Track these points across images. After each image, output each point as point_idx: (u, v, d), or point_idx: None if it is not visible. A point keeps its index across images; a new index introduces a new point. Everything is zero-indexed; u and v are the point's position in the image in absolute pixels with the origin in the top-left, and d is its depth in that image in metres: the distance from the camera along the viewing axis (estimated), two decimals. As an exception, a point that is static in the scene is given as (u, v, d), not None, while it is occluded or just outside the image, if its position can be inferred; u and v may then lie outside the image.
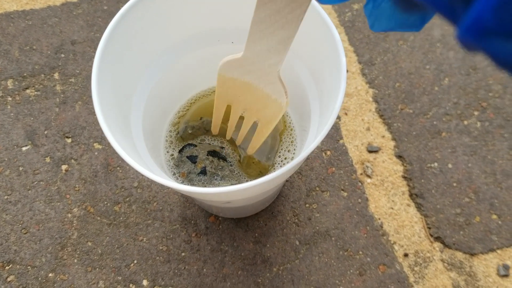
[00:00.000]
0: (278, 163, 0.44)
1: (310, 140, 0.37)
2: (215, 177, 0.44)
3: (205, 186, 0.43)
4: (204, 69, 0.45)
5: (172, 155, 0.45)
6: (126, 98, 0.38)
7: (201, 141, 0.45)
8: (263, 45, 0.30)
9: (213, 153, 0.45)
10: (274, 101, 0.34)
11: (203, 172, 0.44)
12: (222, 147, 0.45)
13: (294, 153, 0.44)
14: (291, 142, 0.45)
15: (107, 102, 0.33)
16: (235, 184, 0.32)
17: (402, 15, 0.20)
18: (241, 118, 0.40)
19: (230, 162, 0.44)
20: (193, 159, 0.44)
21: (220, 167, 0.44)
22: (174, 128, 0.46)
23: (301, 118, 0.44)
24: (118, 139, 0.31)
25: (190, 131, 0.46)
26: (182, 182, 0.43)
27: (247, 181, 0.43)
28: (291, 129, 0.46)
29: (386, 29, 0.22)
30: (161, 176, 0.35)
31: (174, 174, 0.44)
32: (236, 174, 0.44)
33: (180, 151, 0.45)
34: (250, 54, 0.32)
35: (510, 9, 0.11)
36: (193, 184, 0.43)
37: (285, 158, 0.44)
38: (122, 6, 0.62)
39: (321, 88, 0.38)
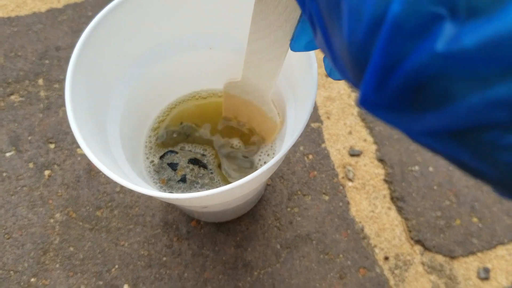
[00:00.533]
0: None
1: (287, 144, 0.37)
2: (195, 185, 0.44)
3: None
4: (183, 74, 0.45)
5: (152, 161, 0.45)
6: (102, 105, 0.38)
7: (181, 148, 0.46)
8: (256, 72, 0.35)
9: (194, 161, 0.45)
10: (270, 119, 0.40)
11: (183, 179, 0.44)
12: (204, 155, 0.45)
13: (273, 157, 0.44)
14: (271, 146, 0.45)
15: (82, 110, 0.34)
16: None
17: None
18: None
19: (211, 170, 0.45)
20: (173, 166, 0.45)
21: (201, 175, 0.44)
22: (154, 133, 0.46)
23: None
24: (93, 148, 0.31)
25: (170, 137, 0.46)
26: (162, 189, 0.43)
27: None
28: None
29: (341, 79, 0.25)
30: (139, 183, 0.36)
31: (154, 180, 0.44)
32: (216, 182, 0.44)
33: (161, 157, 0.45)
34: (246, 78, 0.36)
35: (386, 90, 0.13)
36: (172, 192, 0.43)
37: (265, 163, 0.44)
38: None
39: (296, 93, 0.39)
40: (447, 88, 0.11)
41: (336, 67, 0.16)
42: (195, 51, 0.43)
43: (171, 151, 0.45)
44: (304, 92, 0.35)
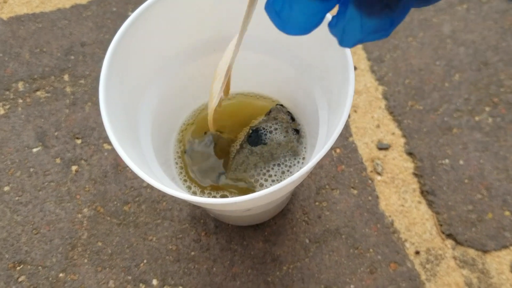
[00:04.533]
0: (294, 165, 0.43)
1: (320, 143, 0.37)
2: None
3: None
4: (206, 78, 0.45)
5: (182, 167, 0.45)
6: (134, 110, 0.38)
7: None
8: None
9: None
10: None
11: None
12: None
13: (304, 158, 0.44)
14: (301, 148, 0.44)
15: (115, 114, 0.33)
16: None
17: (369, 21, 0.19)
18: None
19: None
20: None
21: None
22: (179, 144, 0.46)
23: (309, 126, 0.44)
24: (128, 151, 0.31)
25: (195, 149, 0.46)
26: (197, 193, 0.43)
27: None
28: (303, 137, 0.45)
29: (355, 41, 0.21)
30: (174, 188, 0.36)
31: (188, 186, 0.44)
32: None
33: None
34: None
35: None
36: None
37: (298, 162, 0.44)
38: (130, 8, 0.63)
39: (330, 97, 0.38)
40: None
41: None
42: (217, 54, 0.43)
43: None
44: (339, 96, 0.34)
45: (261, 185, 0.42)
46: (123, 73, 0.35)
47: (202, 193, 0.43)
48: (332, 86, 0.37)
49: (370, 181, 0.51)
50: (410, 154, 0.52)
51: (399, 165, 0.52)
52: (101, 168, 0.52)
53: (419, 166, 0.51)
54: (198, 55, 0.43)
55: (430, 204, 0.49)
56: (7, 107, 0.56)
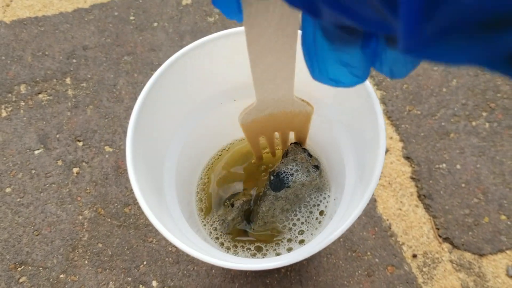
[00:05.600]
0: (321, 202, 0.44)
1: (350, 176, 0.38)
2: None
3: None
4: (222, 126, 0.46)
5: (215, 228, 0.45)
6: (158, 165, 0.39)
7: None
8: (270, 87, 0.33)
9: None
10: (299, 113, 0.38)
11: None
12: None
13: (330, 190, 0.44)
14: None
15: (141, 171, 0.34)
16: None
17: (335, 52, 0.20)
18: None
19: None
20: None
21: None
22: (200, 197, 0.46)
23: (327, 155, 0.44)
24: (155, 210, 0.32)
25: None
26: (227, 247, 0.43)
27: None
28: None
29: (327, 75, 0.22)
30: (201, 245, 0.36)
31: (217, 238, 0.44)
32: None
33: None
34: (262, 99, 0.35)
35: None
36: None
37: (324, 198, 0.44)
38: (132, 12, 0.63)
39: (358, 147, 0.38)
40: None
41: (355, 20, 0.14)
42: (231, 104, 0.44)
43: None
44: (368, 146, 0.35)
45: (290, 229, 0.42)
46: (148, 128, 0.36)
47: (235, 247, 0.43)
48: (357, 132, 0.38)
49: (368, 185, 0.51)
50: (407, 158, 0.53)
51: (396, 169, 0.52)
52: (102, 170, 0.53)
53: (416, 170, 0.52)
54: (216, 105, 0.44)
55: (427, 208, 0.50)
56: (10, 109, 0.57)
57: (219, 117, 0.44)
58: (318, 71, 0.22)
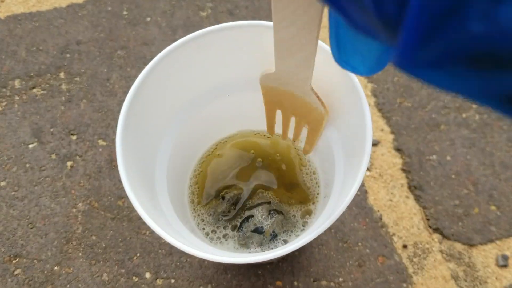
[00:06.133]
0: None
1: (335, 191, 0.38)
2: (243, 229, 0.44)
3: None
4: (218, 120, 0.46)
5: (202, 219, 0.45)
6: (150, 158, 0.39)
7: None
8: (290, 62, 0.33)
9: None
10: (316, 109, 0.37)
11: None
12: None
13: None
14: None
15: (131, 165, 0.34)
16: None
17: (361, 41, 0.20)
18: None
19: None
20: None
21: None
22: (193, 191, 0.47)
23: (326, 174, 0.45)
24: (147, 209, 0.32)
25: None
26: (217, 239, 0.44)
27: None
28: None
29: (347, 61, 0.22)
30: (191, 239, 0.37)
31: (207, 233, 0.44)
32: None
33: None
34: (281, 69, 0.34)
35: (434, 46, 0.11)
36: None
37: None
38: (125, 7, 0.64)
39: (346, 146, 0.39)
40: None
41: (358, 26, 0.14)
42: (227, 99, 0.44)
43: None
44: (356, 145, 0.35)
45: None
46: (139, 122, 0.36)
47: (225, 238, 0.43)
48: (348, 130, 0.38)
49: (359, 177, 0.52)
50: (398, 150, 0.53)
51: (387, 160, 0.53)
52: (95, 163, 0.53)
53: (407, 162, 0.53)
54: (209, 99, 0.44)
55: (417, 199, 0.51)
56: (4, 104, 0.57)
57: (213, 111, 0.44)
58: (338, 56, 0.22)
